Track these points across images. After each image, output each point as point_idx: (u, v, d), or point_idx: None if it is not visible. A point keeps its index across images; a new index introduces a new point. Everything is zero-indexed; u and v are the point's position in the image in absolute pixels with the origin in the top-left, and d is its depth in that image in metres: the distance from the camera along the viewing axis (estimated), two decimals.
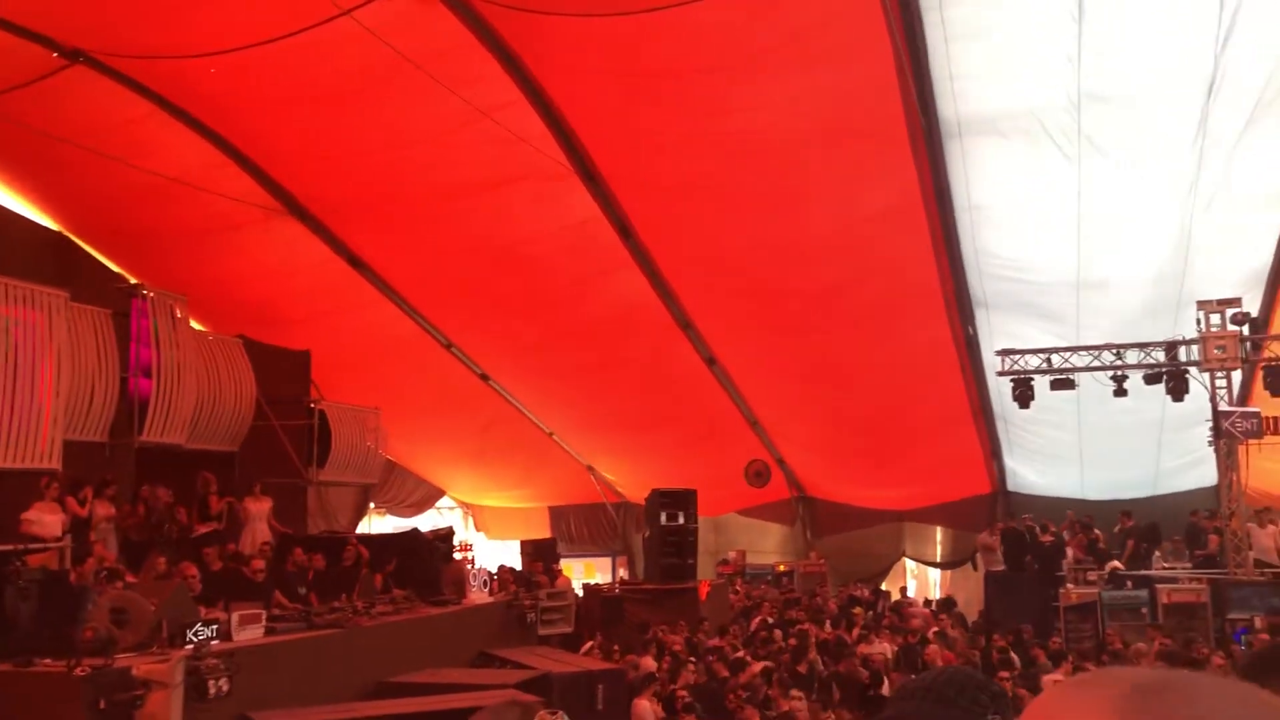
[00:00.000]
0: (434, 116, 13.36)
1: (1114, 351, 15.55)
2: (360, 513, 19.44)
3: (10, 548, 9.48)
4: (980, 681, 1.85)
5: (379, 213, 15.60)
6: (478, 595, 13.65)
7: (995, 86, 12.24)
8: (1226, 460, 15.53)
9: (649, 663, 12.45)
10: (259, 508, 13.64)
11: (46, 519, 10.60)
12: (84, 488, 11.33)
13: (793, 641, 13.88)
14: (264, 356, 15.54)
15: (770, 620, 15.87)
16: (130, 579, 10.16)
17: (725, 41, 11.82)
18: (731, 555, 22.01)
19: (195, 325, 14.87)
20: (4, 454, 10.57)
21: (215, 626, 8.81)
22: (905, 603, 19.16)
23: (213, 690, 8.09)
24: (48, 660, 7.86)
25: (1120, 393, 15.32)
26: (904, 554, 22.00)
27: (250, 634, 9.39)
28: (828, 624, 16.15)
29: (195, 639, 8.43)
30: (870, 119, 12.78)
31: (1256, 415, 15.24)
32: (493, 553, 21.66)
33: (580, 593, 16.79)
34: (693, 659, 12.82)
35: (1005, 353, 15.83)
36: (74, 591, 9.02)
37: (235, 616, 9.29)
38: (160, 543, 12.13)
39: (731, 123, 13.03)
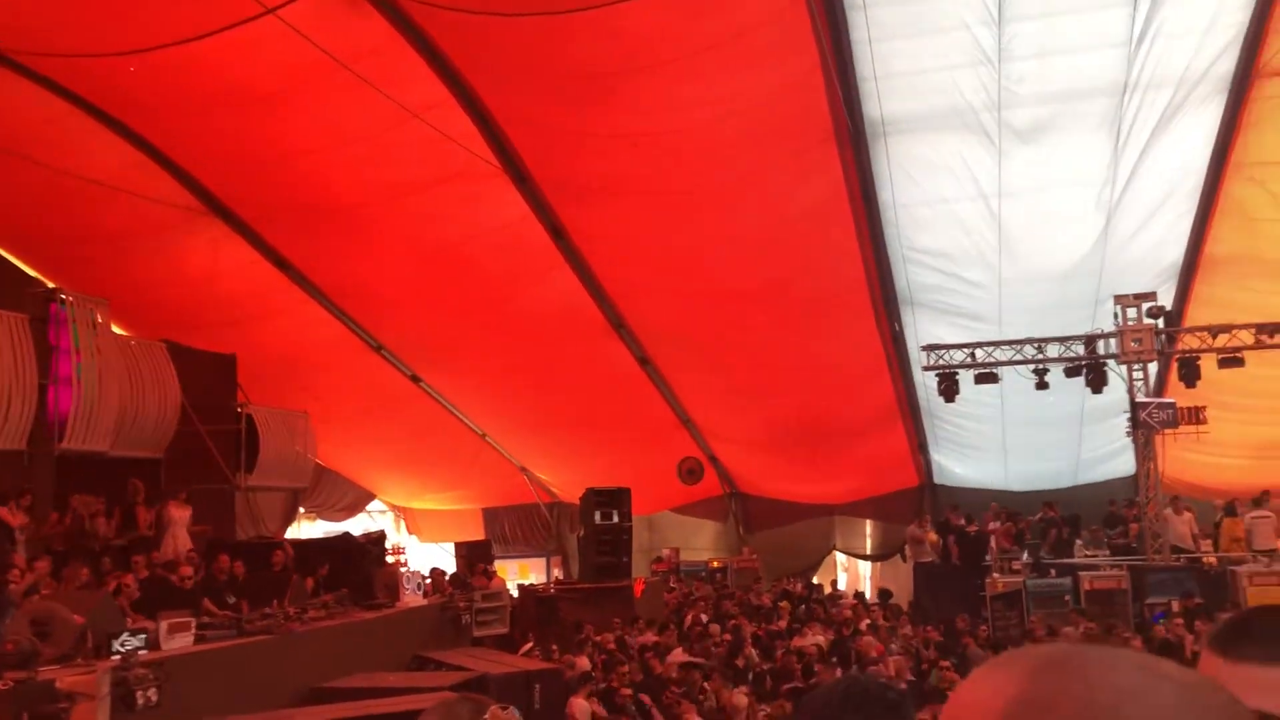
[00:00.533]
0: (362, 117, 13.20)
1: (1035, 345, 15.92)
2: (290, 517, 19.19)
3: None
4: (874, 692, 1.81)
5: (305, 214, 15.36)
6: (412, 598, 13.57)
7: (920, 86, 12.49)
8: (1144, 450, 16.01)
9: (584, 662, 12.49)
10: (181, 514, 13.38)
11: None
12: (9, 498, 11.07)
13: (728, 637, 14.01)
14: (189, 361, 15.20)
15: (705, 617, 15.98)
16: (47, 590, 9.94)
17: (655, 42, 11.87)
18: (665, 553, 22.13)
19: (117, 330, 14.55)
20: None
21: (143, 636, 8.64)
22: (836, 595, 19.43)
23: (141, 700, 7.93)
24: None
25: (1042, 385, 15.69)
26: (835, 548, 22.27)
27: (179, 642, 9.24)
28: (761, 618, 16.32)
29: (122, 649, 8.27)
30: (798, 119, 12.94)
31: (1172, 406, 15.75)
32: (426, 556, 21.49)
33: (515, 593, 16.75)
34: (623, 655, 12.86)
35: (930, 348, 16.10)
36: None
37: (164, 625, 9.15)
38: (83, 552, 11.86)
39: (662, 122, 13.09)
